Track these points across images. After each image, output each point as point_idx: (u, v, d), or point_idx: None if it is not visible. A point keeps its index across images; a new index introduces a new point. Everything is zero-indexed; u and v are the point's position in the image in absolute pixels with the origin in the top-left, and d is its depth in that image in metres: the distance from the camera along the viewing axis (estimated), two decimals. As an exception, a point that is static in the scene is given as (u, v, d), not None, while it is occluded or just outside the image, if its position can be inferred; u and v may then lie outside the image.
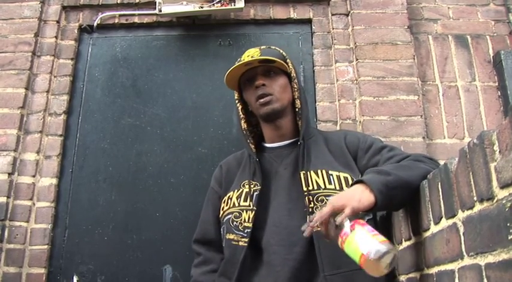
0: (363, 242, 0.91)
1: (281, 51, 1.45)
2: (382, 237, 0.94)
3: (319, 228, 1.02)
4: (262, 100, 1.34)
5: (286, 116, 1.39)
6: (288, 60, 1.41)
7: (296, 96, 1.38)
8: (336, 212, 0.99)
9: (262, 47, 1.42)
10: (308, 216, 1.20)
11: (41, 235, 1.87)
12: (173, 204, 1.93)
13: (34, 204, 1.91)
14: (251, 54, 1.38)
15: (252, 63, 1.36)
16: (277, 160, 1.37)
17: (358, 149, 1.33)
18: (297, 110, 1.37)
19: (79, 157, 2.02)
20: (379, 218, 1.34)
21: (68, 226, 1.92)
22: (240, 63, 1.37)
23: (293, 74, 1.40)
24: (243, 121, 1.41)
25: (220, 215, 1.39)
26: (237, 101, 1.45)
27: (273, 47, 1.46)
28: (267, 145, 1.43)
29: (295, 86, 1.39)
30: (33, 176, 1.93)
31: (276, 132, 1.40)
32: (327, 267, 1.14)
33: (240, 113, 1.43)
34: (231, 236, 1.30)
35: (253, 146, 1.38)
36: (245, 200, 1.31)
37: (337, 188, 1.23)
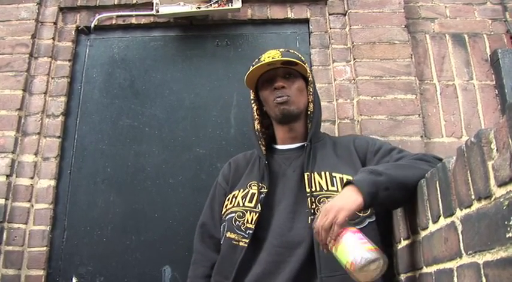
0: (352, 249, 0.96)
1: (300, 55, 1.46)
2: (370, 245, 0.97)
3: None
4: (280, 99, 1.36)
5: (300, 119, 1.41)
6: (306, 64, 1.43)
7: (310, 100, 1.40)
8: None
9: (281, 50, 1.43)
10: (309, 217, 1.21)
11: (40, 237, 1.86)
12: (172, 205, 1.93)
13: (32, 206, 1.91)
14: (272, 55, 1.39)
15: (275, 64, 1.38)
16: (286, 162, 1.38)
17: (367, 152, 1.34)
18: (309, 113, 1.39)
19: (77, 158, 2.01)
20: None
21: (67, 228, 1.92)
22: (262, 63, 1.37)
23: (310, 78, 1.42)
24: (256, 122, 1.42)
25: (222, 212, 1.39)
26: (252, 102, 1.46)
27: (292, 51, 1.46)
28: (278, 147, 1.44)
29: (311, 90, 1.41)
30: (32, 178, 1.93)
31: (288, 134, 1.42)
32: (325, 270, 1.15)
33: (255, 113, 1.44)
34: (232, 235, 1.29)
35: (263, 148, 1.39)
36: (250, 201, 1.31)
37: (340, 190, 1.22)
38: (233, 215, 1.32)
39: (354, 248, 0.95)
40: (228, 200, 1.38)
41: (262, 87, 1.43)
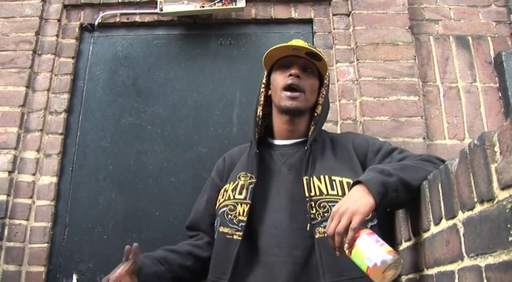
0: (370, 252, 0.94)
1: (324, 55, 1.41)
2: (388, 247, 0.95)
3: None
4: (290, 94, 1.32)
5: (303, 116, 1.38)
6: (327, 64, 1.39)
7: (320, 102, 1.37)
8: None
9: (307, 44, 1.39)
10: (310, 223, 1.19)
11: (41, 233, 1.87)
12: (173, 204, 1.93)
13: (34, 202, 1.91)
14: (299, 42, 1.36)
15: (300, 50, 1.34)
16: (281, 159, 1.35)
17: (367, 152, 1.31)
18: (315, 115, 1.36)
19: (79, 156, 2.02)
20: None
21: (68, 224, 1.92)
22: (288, 44, 1.34)
23: (326, 81, 1.39)
24: (260, 107, 1.38)
25: (216, 207, 1.37)
26: (262, 86, 1.41)
27: (317, 49, 1.42)
28: (275, 142, 1.41)
29: (324, 93, 1.38)
30: (34, 174, 1.93)
31: (286, 126, 1.38)
32: (328, 274, 1.13)
33: (262, 98, 1.39)
34: (225, 230, 1.28)
35: (256, 136, 1.36)
36: (240, 193, 1.29)
37: (340, 193, 1.21)
38: (225, 208, 1.31)
39: (373, 251, 0.93)
40: (221, 194, 1.37)
41: (277, 70, 1.38)
